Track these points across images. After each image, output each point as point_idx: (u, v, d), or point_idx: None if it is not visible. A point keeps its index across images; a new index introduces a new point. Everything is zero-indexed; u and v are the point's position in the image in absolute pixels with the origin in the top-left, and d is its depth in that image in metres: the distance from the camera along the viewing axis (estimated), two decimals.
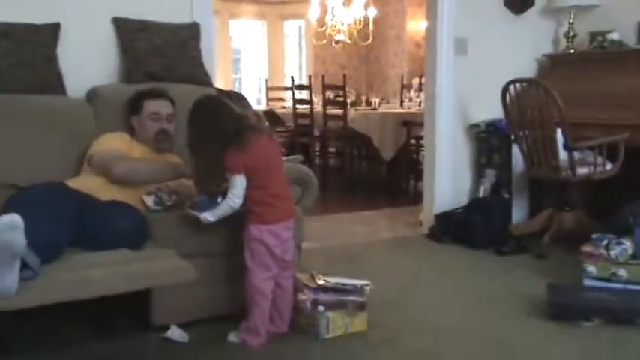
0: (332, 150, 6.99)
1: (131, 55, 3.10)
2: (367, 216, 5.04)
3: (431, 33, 4.33)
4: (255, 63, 10.38)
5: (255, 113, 2.34)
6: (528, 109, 3.63)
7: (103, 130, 2.82)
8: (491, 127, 4.27)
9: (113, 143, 2.67)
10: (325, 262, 3.48)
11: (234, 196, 2.27)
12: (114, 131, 2.82)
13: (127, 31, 3.13)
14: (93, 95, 2.98)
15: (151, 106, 2.78)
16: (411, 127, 5.70)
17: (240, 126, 2.23)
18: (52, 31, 2.95)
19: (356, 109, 6.47)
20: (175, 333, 2.40)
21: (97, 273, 1.93)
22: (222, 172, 2.25)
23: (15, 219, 1.72)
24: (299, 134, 6.74)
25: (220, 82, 7.60)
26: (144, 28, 3.13)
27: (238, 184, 2.27)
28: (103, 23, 3.14)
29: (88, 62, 3.09)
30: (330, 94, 6.37)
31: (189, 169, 2.47)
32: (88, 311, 2.46)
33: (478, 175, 4.38)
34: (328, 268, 2.98)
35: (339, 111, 6.11)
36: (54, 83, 2.88)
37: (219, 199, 2.30)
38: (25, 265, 1.80)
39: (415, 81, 7.74)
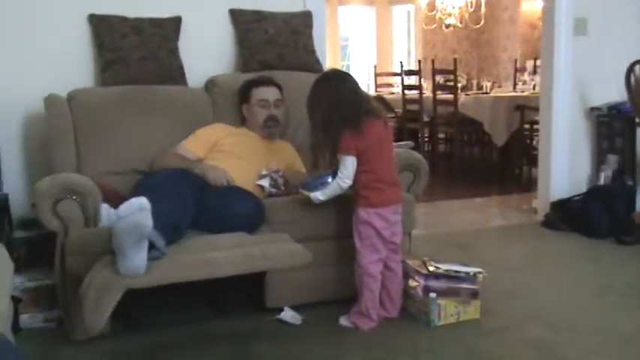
0: (441, 136, 6.86)
1: (246, 45, 3.17)
2: (478, 203, 4.92)
3: (548, 13, 4.13)
4: (364, 49, 10.35)
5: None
6: None
7: (221, 117, 2.93)
8: (614, 110, 4.03)
9: (192, 137, 2.74)
10: (436, 250, 3.43)
11: (345, 176, 2.29)
12: (230, 119, 2.91)
13: (243, 21, 3.20)
14: (211, 85, 3.09)
15: (259, 93, 2.83)
16: (525, 111, 5.48)
17: (361, 106, 2.26)
18: (175, 24, 3.07)
19: (467, 94, 6.30)
20: (288, 315, 2.45)
21: (217, 255, 2.00)
22: (337, 149, 2.27)
23: (143, 201, 1.85)
24: (408, 120, 6.65)
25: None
26: (259, 18, 3.20)
27: (349, 164, 2.28)
28: (220, 15, 3.23)
29: (206, 53, 3.20)
30: (439, 78, 6.25)
31: (206, 170, 2.50)
32: (206, 291, 2.55)
33: (598, 161, 4.15)
34: (439, 255, 2.93)
35: (449, 96, 5.98)
36: (176, 74, 3.01)
37: (329, 180, 2.33)
38: (151, 246, 1.90)
39: (529, 63, 7.43)
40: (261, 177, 2.63)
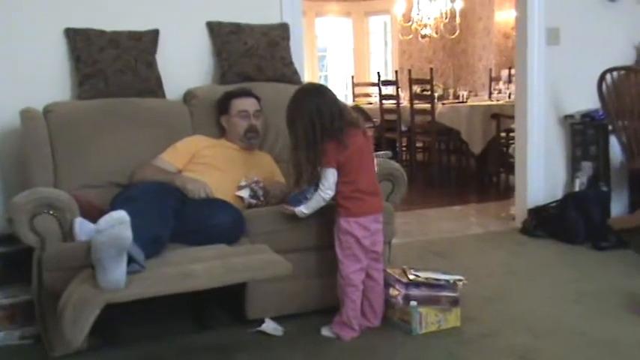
0: (419, 144, 6.91)
1: (224, 56, 3.17)
2: (457, 211, 4.96)
3: (521, 23, 4.18)
4: (342, 60, 10.39)
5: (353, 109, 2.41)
6: (628, 98, 3.43)
7: (199, 129, 2.92)
8: (587, 117, 4.07)
9: (171, 150, 2.73)
10: (416, 258, 3.44)
11: (326, 187, 2.31)
12: (209, 130, 2.90)
13: (221, 34, 3.20)
14: (189, 97, 3.08)
15: (238, 104, 2.84)
16: (501, 119, 5.55)
17: (342, 118, 2.27)
18: (153, 37, 3.06)
19: (443, 103, 6.34)
20: (270, 326, 2.43)
21: (197, 267, 1.98)
22: (319, 163, 2.29)
23: (122, 215, 1.80)
24: (386, 129, 6.69)
25: (308, 81, 7.63)
26: (236, 30, 3.19)
27: (330, 176, 2.31)
28: (197, 27, 3.22)
29: (184, 65, 3.18)
30: (416, 88, 6.28)
31: (185, 182, 2.51)
32: (187, 304, 2.53)
33: (573, 168, 4.19)
34: (419, 263, 2.95)
35: (426, 105, 6.03)
36: (154, 87, 3.00)
37: (309, 195, 2.35)
38: (131, 260, 1.88)
39: (504, 73, 7.51)
40: (241, 188, 2.62)
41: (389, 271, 2.55)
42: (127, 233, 1.78)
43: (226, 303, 2.57)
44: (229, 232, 2.35)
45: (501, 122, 5.56)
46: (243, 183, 2.63)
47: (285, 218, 2.44)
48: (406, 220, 4.46)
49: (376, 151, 2.50)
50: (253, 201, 2.59)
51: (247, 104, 2.86)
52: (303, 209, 2.36)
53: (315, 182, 2.33)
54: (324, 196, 2.32)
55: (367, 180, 2.38)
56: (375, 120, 6.74)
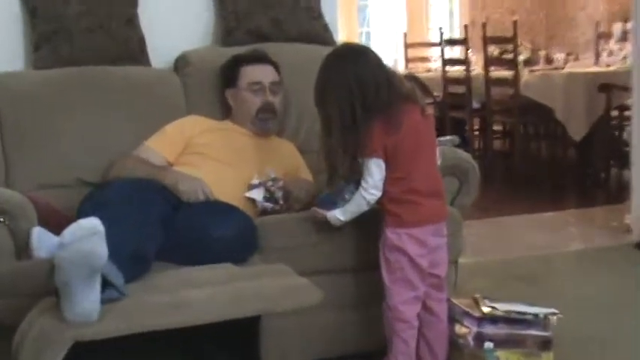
0: (497, 128, 6.88)
1: (229, 8, 3.16)
2: (549, 219, 4.91)
3: None
4: (390, 12, 10.34)
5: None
6: None
7: (196, 107, 2.94)
8: None
9: (159, 135, 2.78)
10: (492, 283, 3.42)
11: (370, 185, 2.29)
12: (209, 109, 2.92)
13: None
14: (182, 63, 3.07)
15: (250, 73, 2.84)
16: (613, 92, 5.47)
17: (390, 89, 2.28)
18: None
19: (531, 70, 6.31)
20: None
21: (195, 295, 1.98)
22: (360, 152, 2.30)
23: (94, 224, 1.81)
24: (450, 107, 6.65)
25: (344, 40, 7.63)
26: None
27: (376, 170, 2.29)
28: None
29: (175, 22, 3.18)
30: (494, 50, 6.26)
31: (177, 180, 2.55)
32: (181, 338, 2.41)
33: None
34: (497, 290, 2.93)
35: (507, 73, 6.01)
36: (135, 51, 3.01)
37: (347, 195, 2.36)
38: (106, 283, 1.88)
39: (617, 28, 7.40)
40: (252, 187, 2.63)
41: (455, 301, 2.53)
42: (101, 248, 1.78)
43: (232, 342, 2.51)
44: (236, 247, 2.34)
45: (613, 96, 5.49)
46: (255, 181, 2.64)
47: (312, 228, 2.43)
48: (479, 231, 4.36)
49: (438, 136, 2.50)
50: (269, 205, 2.60)
51: (262, 73, 2.86)
52: (338, 215, 2.35)
53: (354, 179, 2.34)
54: (368, 197, 2.31)
55: (426, 176, 2.35)
56: (435, 94, 6.68)
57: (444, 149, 2.73)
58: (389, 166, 2.30)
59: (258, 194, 2.62)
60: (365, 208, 2.34)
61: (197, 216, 2.41)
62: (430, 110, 2.41)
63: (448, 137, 3.05)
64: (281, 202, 2.63)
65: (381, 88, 2.26)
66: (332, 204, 2.37)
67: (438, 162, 2.45)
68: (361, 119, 2.25)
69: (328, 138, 2.31)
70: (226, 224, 2.37)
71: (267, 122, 2.86)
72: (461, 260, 2.78)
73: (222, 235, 2.32)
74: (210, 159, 2.69)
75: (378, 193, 2.30)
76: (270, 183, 2.63)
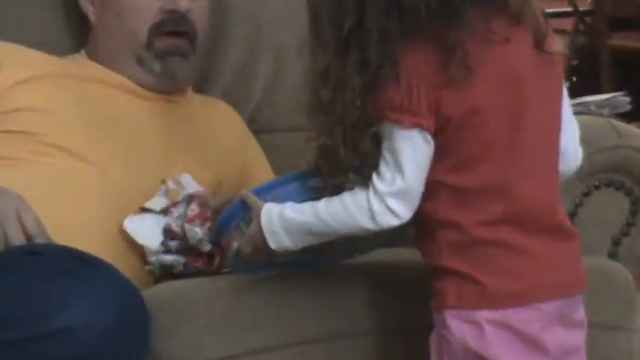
0: None
1: None
2: None
3: None
4: None
5: None
6: None
7: (8, 24, 2.17)
8: None
9: None
10: None
11: (389, 185, 1.52)
12: (35, 27, 2.22)
13: None
14: None
15: None
16: None
17: None
18: None
19: None
20: None
21: None
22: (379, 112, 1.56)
23: None
24: (611, 23, 4.87)
25: None
26: None
27: (408, 154, 1.53)
28: None
29: None
30: None
31: None
32: None
33: None
34: None
35: None
36: None
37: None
38: None
39: None
40: (144, 211, 1.86)
41: None
42: None
43: None
44: (92, 351, 1.61)
45: None
46: (153, 201, 1.88)
47: (268, 291, 1.75)
48: None
49: (583, 92, 1.94)
50: (172, 259, 1.82)
51: None
52: (287, 211, 1.60)
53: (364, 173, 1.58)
54: (378, 207, 1.52)
55: (539, 187, 1.56)
56: None
57: (597, 123, 2.05)
58: (446, 157, 1.53)
59: (152, 232, 1.85)
60: (361, 225, 1.55)
61: (10, 289, 1.66)
62: (558, 41, 1.57)
63: (607, 95, 2.25)
64: (205, 248, 1.82)
65: None
66: (284, 193, 1.66)
67: (577, 158, 1.68)
68: (392, 43, 1.50)
69: (324, 83, 1.56)
70: (79, 309, 1.60)
71: (173, 59, 2.01)
72: None
73: (66, 332, 1.58)
74: (43, 146, 1.90)
75: (406, 209, 1.53)
76: (178, 209, 1.83)
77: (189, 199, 1.81)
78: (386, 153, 1.47)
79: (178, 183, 1.88)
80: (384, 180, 1.45)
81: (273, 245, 1.51)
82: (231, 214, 1.64)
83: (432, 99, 1.44)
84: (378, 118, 1.47)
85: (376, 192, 1.45)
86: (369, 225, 1.46)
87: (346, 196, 1.49)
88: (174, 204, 1.82)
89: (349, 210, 1.48)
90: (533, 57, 1.48)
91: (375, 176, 1.46)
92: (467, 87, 1.43)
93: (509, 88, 1.46)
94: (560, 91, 1.55)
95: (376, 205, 1.45)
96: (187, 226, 1.77)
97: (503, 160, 1.46)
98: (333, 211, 1.50)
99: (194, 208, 1.79)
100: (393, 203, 1.45)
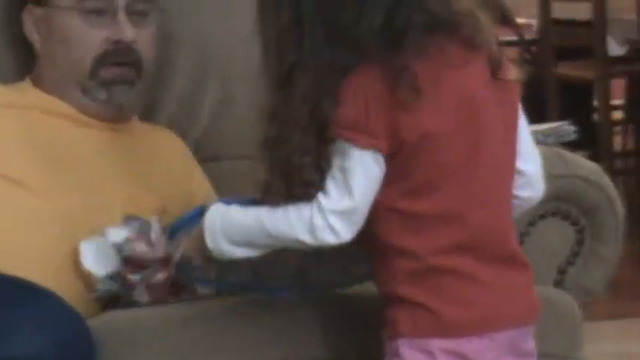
0: None
1: None
2: None
3: None
4: None
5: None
6: None
7: None
8: None
9: None
10: None
11: (335, 202, 1.55)
12: None
13: None
14: None
15: None
16: None
17: (413, 9, 1.54)
18: None
19: None
20: None
21: None
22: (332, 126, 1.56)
23: None
24: (558, 55, 5.10)
25: None
26: None
27: (358, 173, 1.56)
28: None
29: None
30: None
31: None
32: None
33: None
34: None
35: None
36: None
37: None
38: None
39: None
40: (91, 243, 1.86)
41: None
42: None
43: None
44: None
45: None
46: (113, 235, 1.91)
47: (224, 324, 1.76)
48: (624, 347, 3.31)
49: (536, 119, 1.88)
50: (128, 289, 1.89)
51: None
52: (218, 209, 1.61)
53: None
54: (318, 222, 1.54)
55: (492, 214, 1.62)
56: (527, 22, 5.30)
57: (544, 152, 1.89)
58: (400, 182, 1.57)
59: (101, 259, 1.92)
60: (298, 237, 1.55)
61: None
62: (512, 68, 1.59)
63: (552, 124, 2.32)
64: (157, 278, 1.90)
65: (382, 6, 1.49)
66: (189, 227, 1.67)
67: (542, 184, 1.73)
68: (338, 62, 1.54)
69: (274, 130, 1.59)
70: (21, 339, 1.63)
71: (119, 88, 2.06)
72: None
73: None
74: None
75: (348, 230, 1.54)
76: (123, 246, 1.90)
77: (143, 225, 1.84)
78: (335, 170, 1.50)
79: (132, 223, 1.88)
80: (330, 198, 1.49)
81: (210, 244, 1.53)
82: (187, 220, 1.65)
83: (389, 121, 1.47)
84: (332, 133, 1.48)
85: (320, 208, 1.49)
86: (306, 238, 1.49)
87: (290, 207, 1.52)
88: (138, 237, 1.84)
89: (290, 219, 1.52)
90: (488, 83, 1.52)
91: (320, 192, 1.49)
92: (420, 111, 1.45)
93: (464, 113, 1.49)
94: (516, 119, 1.58)
95: (318, 220, 1.49)
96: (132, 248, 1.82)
97: (457, 186, 1.51)
98: (274, 218, 1.54)
99: (130, 244, 1.81)
100: (336, 222, 1.49)
